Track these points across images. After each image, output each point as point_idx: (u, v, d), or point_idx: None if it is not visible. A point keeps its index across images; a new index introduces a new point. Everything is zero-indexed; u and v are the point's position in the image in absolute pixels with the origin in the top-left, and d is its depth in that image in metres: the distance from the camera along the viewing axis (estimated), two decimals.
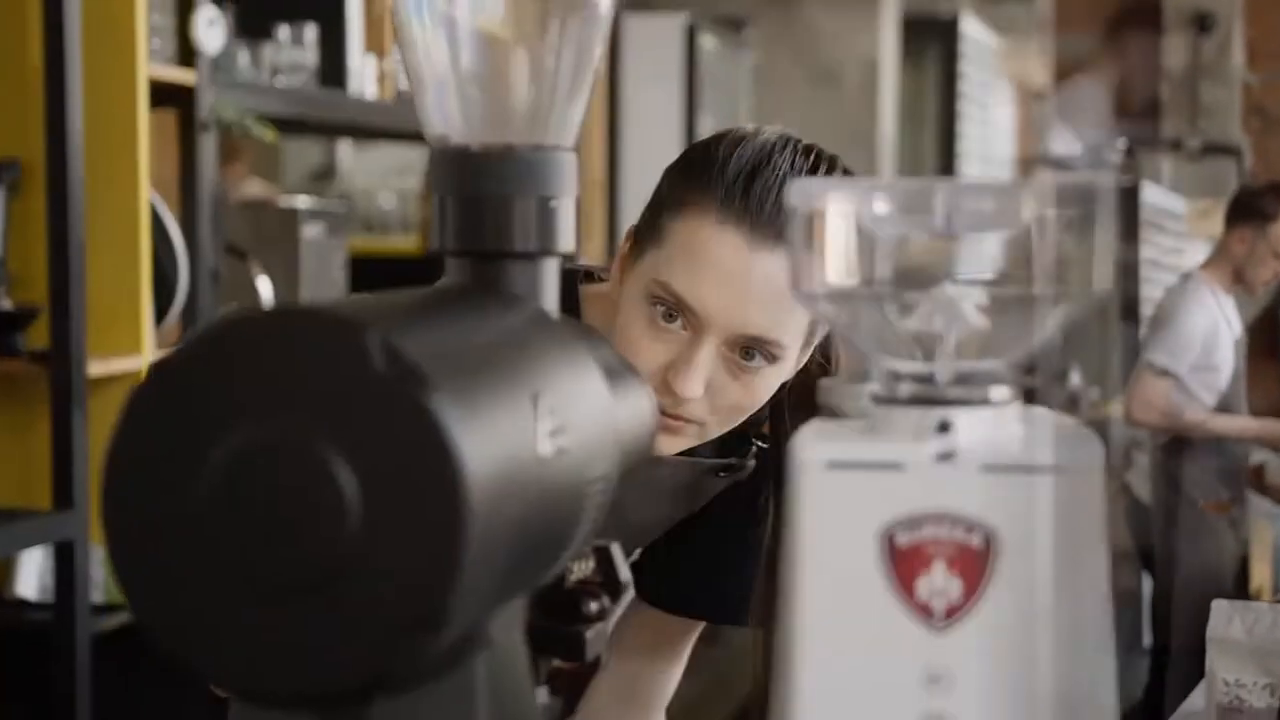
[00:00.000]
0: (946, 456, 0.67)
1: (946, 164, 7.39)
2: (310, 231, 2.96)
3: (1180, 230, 7.96)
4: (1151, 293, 7.30)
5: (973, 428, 0.68)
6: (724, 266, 1.20)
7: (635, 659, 1.48)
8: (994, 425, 0.69)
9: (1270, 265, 4.21)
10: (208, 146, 2.64)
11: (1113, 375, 6.29)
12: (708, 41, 4.81)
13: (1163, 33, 9.32)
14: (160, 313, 2.55)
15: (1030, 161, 7.80)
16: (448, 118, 0.82)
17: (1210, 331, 4.15)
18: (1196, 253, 8.48)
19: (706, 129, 5.83)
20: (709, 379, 1.22)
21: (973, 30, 7.48)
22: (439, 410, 0.60)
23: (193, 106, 2.62)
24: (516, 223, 0.79)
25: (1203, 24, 9.24)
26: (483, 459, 0.62)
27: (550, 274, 0.81)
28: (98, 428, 2.36)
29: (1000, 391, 0.70)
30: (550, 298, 0.81)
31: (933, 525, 0.67)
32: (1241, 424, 4.29)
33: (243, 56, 2.88)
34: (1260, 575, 5.27)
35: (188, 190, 2.63)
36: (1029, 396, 0.71)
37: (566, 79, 0.82)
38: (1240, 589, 4.43)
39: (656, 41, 4.84)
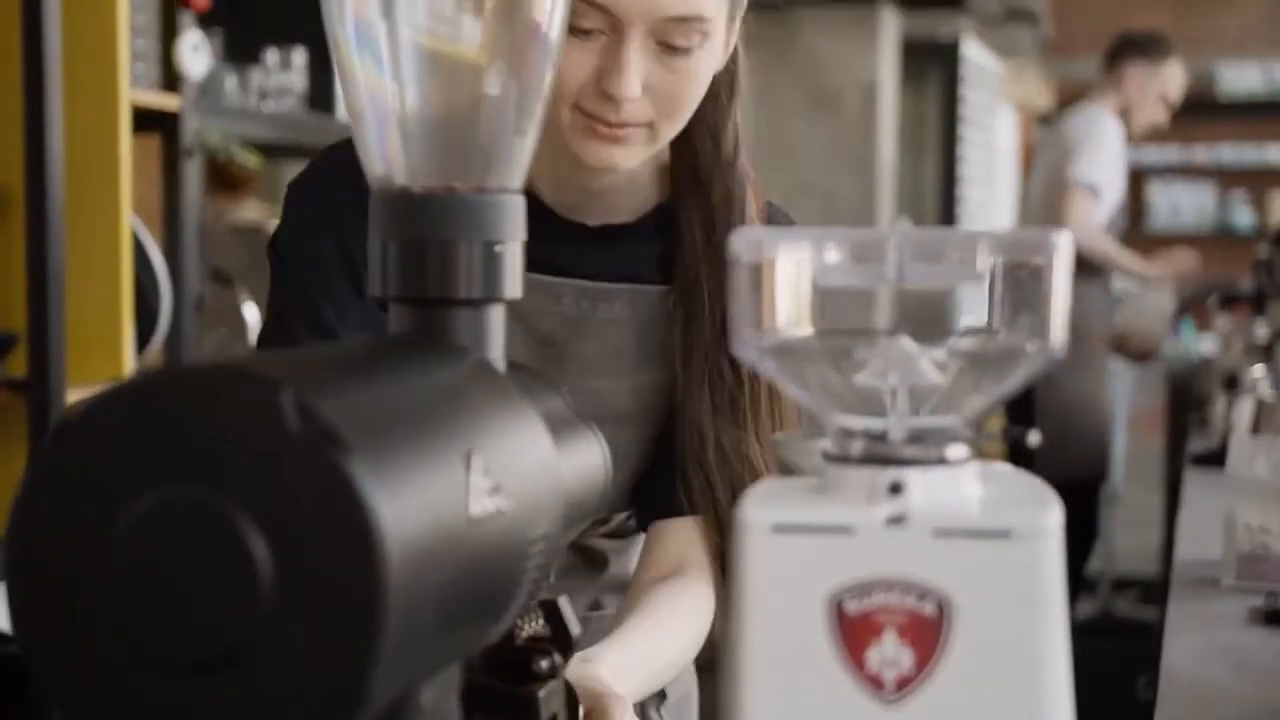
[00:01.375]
0: (898, 520, 0.64)
1: (947, 187, 7.36)
2: None
3: (994, 90, 7.98)
4: (967, 152, 7.34)
5: (927, 488, 0.65)
6: None
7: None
8: (949, 486, 0.66)
9: (1154, 109, 4.31)
10: (192, 172, 2.61)
11: None
12: None
13: None
14: (142, 340, 2.52)
15: None
16: (389, 158, 0.79)
17: (1114, 161, 4.26)
18: (1007, 113, 8.49)
19: None
20: (644, 76, 1.18)
21: (974, 54, 7.46)
22: (355, 474, 0.57)
23: (177, 132, 2.59)
24: (460, 268, 0.76)
25: None
26: (405, 523, 0.59)
27: (496, 321, 0.78)
28: None
29: (957, 450, 0.67)
30: (495, 346, 0.78)
31: (883, 592, 0.64)
32: (1133, 260, 4.39)
33: (230, 81, 2.86)
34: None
35: (171, 216, 2.60)
36: None
37: (512, 118, 0.79)
38: (1103, 440, 4.56)
39: None
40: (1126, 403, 6.15)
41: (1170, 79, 4.33)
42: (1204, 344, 8.14)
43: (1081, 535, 4.59)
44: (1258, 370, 3.05)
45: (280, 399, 0.57)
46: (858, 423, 0.67)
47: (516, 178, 0.80)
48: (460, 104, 0.78)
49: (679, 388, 1.29)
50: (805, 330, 0.68)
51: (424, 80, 0.77)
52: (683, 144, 1.30)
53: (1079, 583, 4.79)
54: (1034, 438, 0.67)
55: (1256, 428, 2.85)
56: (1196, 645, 1.59)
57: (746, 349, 0.67)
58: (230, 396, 0.58)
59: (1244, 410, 2.93)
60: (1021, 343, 0.66)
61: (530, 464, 0.72)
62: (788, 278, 0.67)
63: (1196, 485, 2.74)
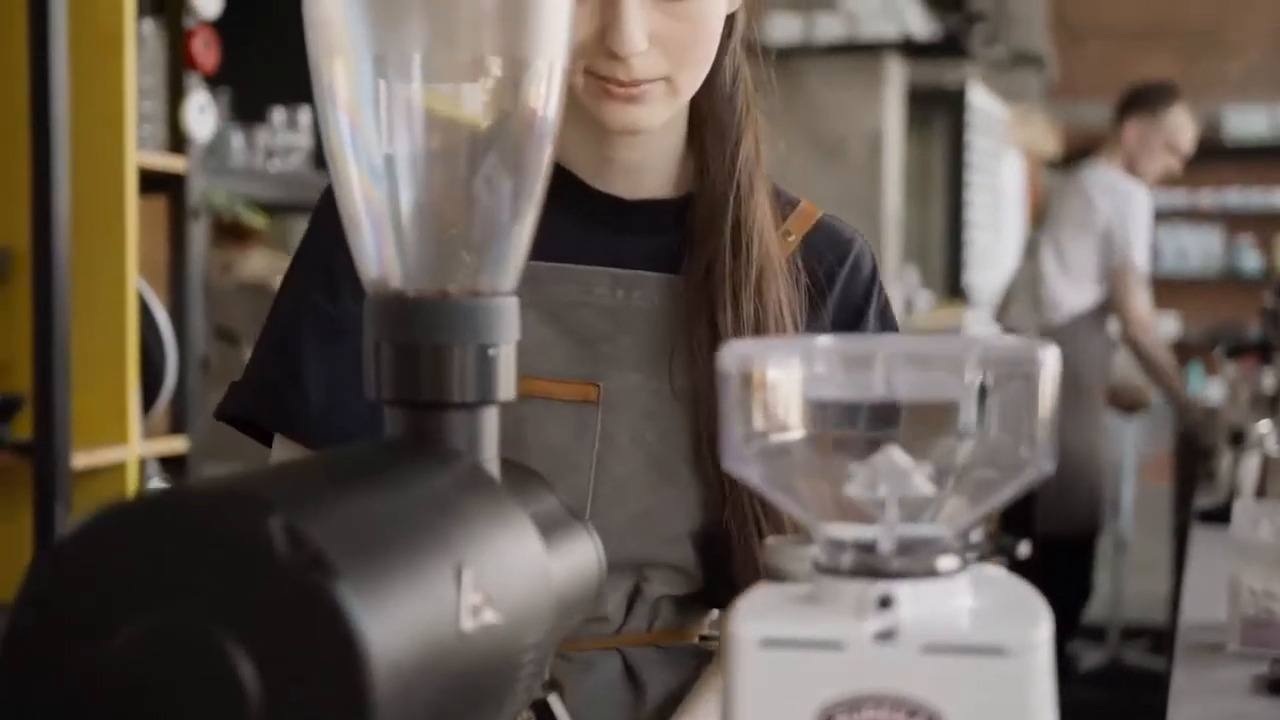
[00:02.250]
0: (887, 635, 0.64)
1: (954, 233, 7.37)
2: None
3: (1000, 135, 7.99)
4: (975, 198, 7.36)
5: (917, 601, 0.65)
6: None
7: None
8: (939, 598, 0.66)
9: (1161, 158, 4.32)
10: (197, 233, 2.62)
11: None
12: None
13: None
14: (148, 401, 2.53)
15: None
16: (384, 262, 0.79)
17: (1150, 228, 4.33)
18: (1013, 159, 8.52)
19: None
20: (650, 29, 1.13)
21: (980, 100, 7.48)
22: (343, 599, 0.57)
23: (183, 193, 2.60)
24: (454, 372, 0.77)
25: None
26: (394, 645, 0.59)
27: (490, 424, 0.79)
28: None
29: (947, 561, 0.67)
30: (489, 447, 0.78)
31: (873, 708, 0.64)
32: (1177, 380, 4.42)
33: (237, 139, 2.87)
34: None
35: (177, 276, 2.61)
36: None
37: (507, 217, 0.79)
38: (1097, 492, 4.47)
39: None
40: (1134, 449, 6.15)
41: (1175, 127, 4.33)
42: (1210, 389, 8.15)
43: (1077, 587, 4.58)
44: (1264, 425, 3.04)
45: (269, 524, 0.57)
46: (847, 532, 0.67)
47: (510, 279, 0.80)
48: (454, 207, 0.78)
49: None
50: (794, 441, 0.68)
51: (418, 184, 0.78)
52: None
53: (1075, 632, 4.77)
54: (1024, 549, 0.67)
55: (1263, 484, 2.84)
56: (1201, 715, 1.59)
57: (734, 459, 0.67)
58: (219, 521, 0.58)
59: (1250, 466, 2.92)
60: (1011, 455, 0.66)
61: (521, 573, 0.72)
62: (777, 390, 0.67)
63: (1203, 542, 2.73)
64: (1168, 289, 10.13)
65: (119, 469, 2.47)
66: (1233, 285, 10.03)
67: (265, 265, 3.81)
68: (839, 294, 1.28)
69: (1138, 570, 5.79)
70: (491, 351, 0.77)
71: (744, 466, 0.68)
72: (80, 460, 2.36)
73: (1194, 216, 10.09)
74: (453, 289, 0.78)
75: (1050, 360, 0.65)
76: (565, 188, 1.25)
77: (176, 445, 2.66)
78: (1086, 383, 4.29)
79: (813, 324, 1.24)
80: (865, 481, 0.68)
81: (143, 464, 2.57)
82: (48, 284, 2.31)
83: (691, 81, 1.17)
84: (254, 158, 2.91)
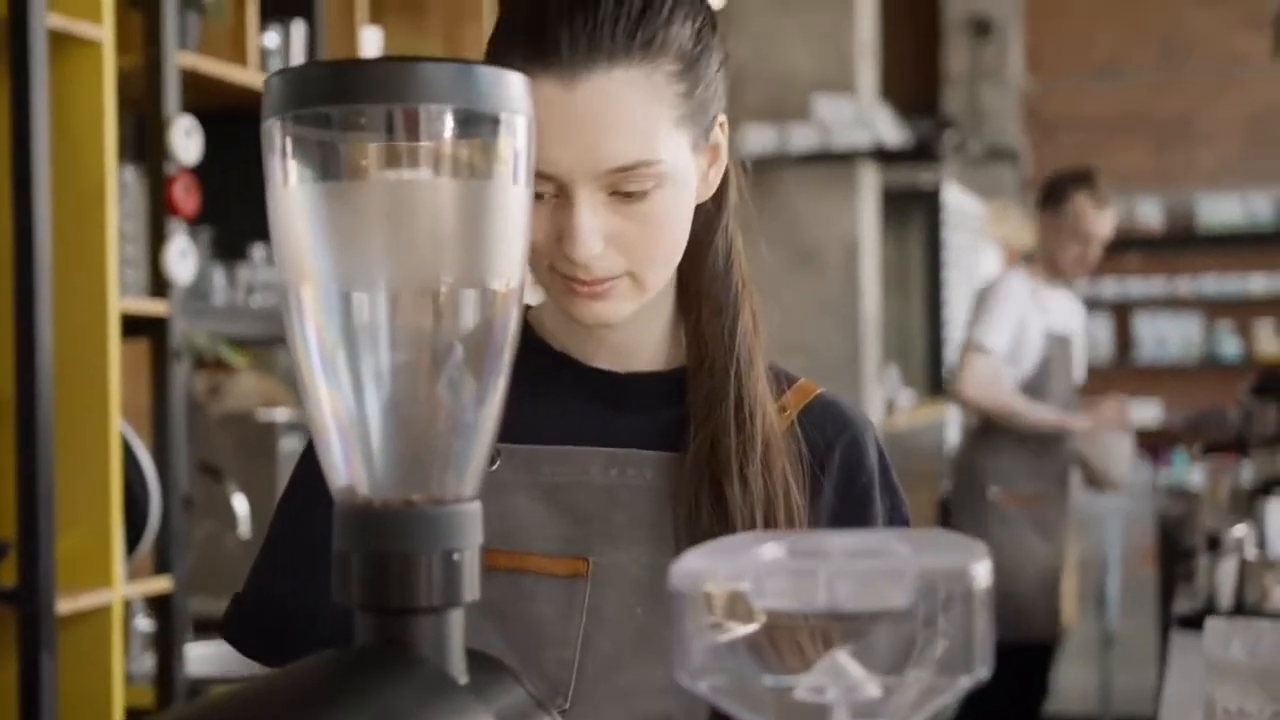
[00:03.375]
0: None
1: (933, 331, 7.44)
2: (288, 445, 2.97)
3: (976, 230, 8.05)
4: (953, 295, 7.40)
5: None
6: (549, 116, 1.10)
7: None
8: None
9: (1072, 247, 4.30)
10: (179, 375, 2.66)
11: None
12: None
13: (940, 37, 9.51)
14: (132, 542, 2.55)
15: None
16: (351, 471, 0.83)
17: (1019, 321, 4.25)
18: (991, 253, 8.59)
19: None
20: (605, 230, 1.13)
21: (954, 198, 7.58)
22: None
23: (165, 336, 2.64)
24: (420, 578, 0.80)
25: (981, 30, 9.38)
26: None
27: (455, 625, 0.82)
28: (67, 667, 2.34)
29: None
30: (455, 650, 0.81)
31: None
32: (1045, 414, 4.30)
33: (218, 276, 2.92)
34: (1068, 590, 5.15)
35: (160, 418, 2.64)
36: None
37: (468, 435, 0.83)
38: (1049, 600, 4.47)
39: None
40: (1118, 540, 6.17)
41: (1076, 214, 4.25)
42: (1195, 475, 8.18)
43: (1031, 693, 4.54)
44: (1239, 530, 3.06)
45: None
46: None
47: (472, 484, 0.83)
48: (418, 421, 0.82)
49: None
50: (744, 650, 0.72)
51: (383, 400, 0.82)
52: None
53: None
54: None
55: (1240, 589, 2.86)
56: None
57: (685, 671, 0.70)
58: None
59: (1227, 570, 2.94)
60: (951, 661, 0.70)
61: None
62: (726, 602, 0.71)
63: (1181, 649, 2.74)
64: (1148, 376, 10.20)
65: (104, 612, 2.48)
66: (1213, 371, 10.10)
67: (253, 389, 3.85)
68: (838, 470, 1.26)
69: (1128, 663, 5.79)
70: (456, 556, 0.81)
71: (696, 678, 0.71)
72: (65, 605, 2.37)
73: (1172, 304, 10.18)
74: (418, 498, 0.82)
75: (981, 574, 0.69)
76: (561, 370, 1.27)
77: (161, 585, 2.67)
78: (992, 491, 4.27)
79: (815, 499, 1.24)
80: (814, 686, 0.71)
81: (128, 606, 2.59)
82: (32, 430, 2.34)
83: (657, 276, 1.18)
84: (236, 295, 2.95)
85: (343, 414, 0.82)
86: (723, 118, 1.23)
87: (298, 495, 1.27)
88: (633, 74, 1.12)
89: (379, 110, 0.79)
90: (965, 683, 0.70)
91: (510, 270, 0.83)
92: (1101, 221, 4.26)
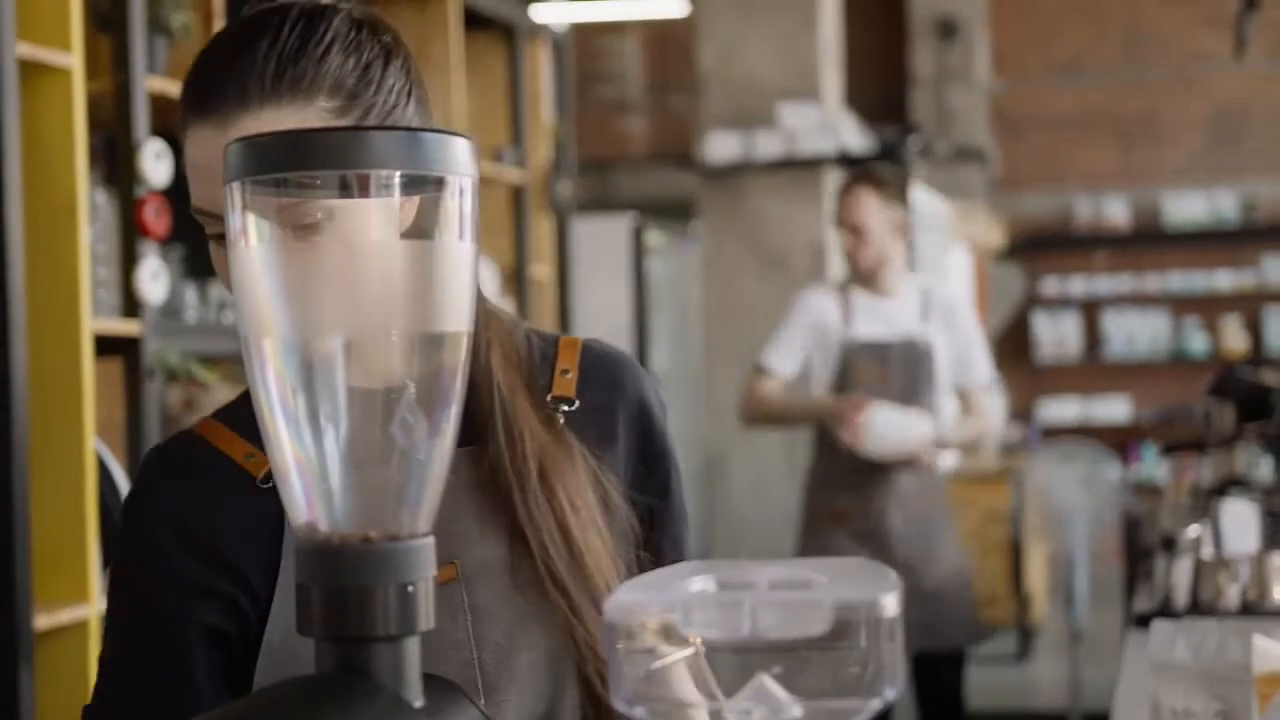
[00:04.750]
0: None
1: None
2: None
3: (945, 230, 8.12)
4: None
5: None
6: (201, 159, 1.17)
7: None
8: None
9: (843, 236, 4.06)
10: (152, 393, 2.71)
11: None
12: (654, 237, 4.93)
13: (906, 38, 9.57)
14: (107, 558, 2.60)
15: None
16: (311, 509, 0.88)
17: (813, 338, 4.07)
18: (959, 253, 8.68)
19: (658, 321, 5.97)
20: None
21: (923, 200, 7.65)
22: None
23: (138, 355, 2.69)
24: (377, 610, 0.86)
25: (947, 31, 9.46)
26: None
27: (412, 652, 0.87)
28: (45, 683, 2.39)
29: None
30: (412, 676, 0.87)
31: None
32: (802, 401, 4.12)
33: (190, 294, 2.96)
34: (1036, 585, 5.03)
35: (134, 436, 2.69)
36: None
37: (424, 463, 0.89)
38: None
39: (605, 241, 4.97)
40: (1085, 537, 6.24)
41: (846, 205, 4.08)
42: (1162, 471, 8.27)
43: (951, 703, 4.42)
44: (1194, 529, 3.12)
45: None
46: None
47: (426, 520, 0.89)
48: (374, 462, 0.88)
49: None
50: (675, 676, 0.78)
51: (340, 443, 0.87)
52: None
53: None
54: None
55: (1196, 589, 2.92)
56: None
57: (620, 700, 0.76)
58: None
59: (1183, 570, 3.00)
60: (861, 682, 0.76)
61: None
62: (657, 634, 0.77)
63: (1135, 650, 2.80)
64: (1117, 373, 10.30)
65: (81, 627, 2.53)
66: (1181, 366, 10.20)
67: (226, 402, 3.88)
68: (630, 422, 1.32)
69: (1097, 658, 5.87)
70: (410, 588, 0.87)
71: (631, 704, 0.77)
72: (41, 621, 2.42)
73: (1140, 300, 10.28)
74: (375, 534, 0.87)
75: (891, 603, 0.75)
76: None
77: None
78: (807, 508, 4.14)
79: (609, 457, 1.29)
80: (741, 709, 0.77)
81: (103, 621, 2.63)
82: (7, 449, 2.39)
83: None
84: (207, 312, 3.00)
85: (303, 456, 0.88)
86: None
87: (137, 604, 1.25)
88: (282, 113, 1.17)
89: (333, 175, 0.85)
90: (876, 704, 0.76)
91: (458, 318, 0.89)
92: (867, 211, 4.03)
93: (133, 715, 1.24)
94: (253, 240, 0.87)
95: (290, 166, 0.85)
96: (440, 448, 0.90)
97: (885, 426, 3.93)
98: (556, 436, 1.27)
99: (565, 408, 1.28)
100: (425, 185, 0.87)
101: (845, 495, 4.06)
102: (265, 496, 1.23)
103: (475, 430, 1.25)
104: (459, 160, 0.87)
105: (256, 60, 1.17)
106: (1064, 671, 6.10)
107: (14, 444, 2.39)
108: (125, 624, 1.25)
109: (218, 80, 1.17)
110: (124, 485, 2.61)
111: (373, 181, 0.85)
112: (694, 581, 0.79)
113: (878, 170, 4.27)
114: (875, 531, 4.07)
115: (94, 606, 2.54)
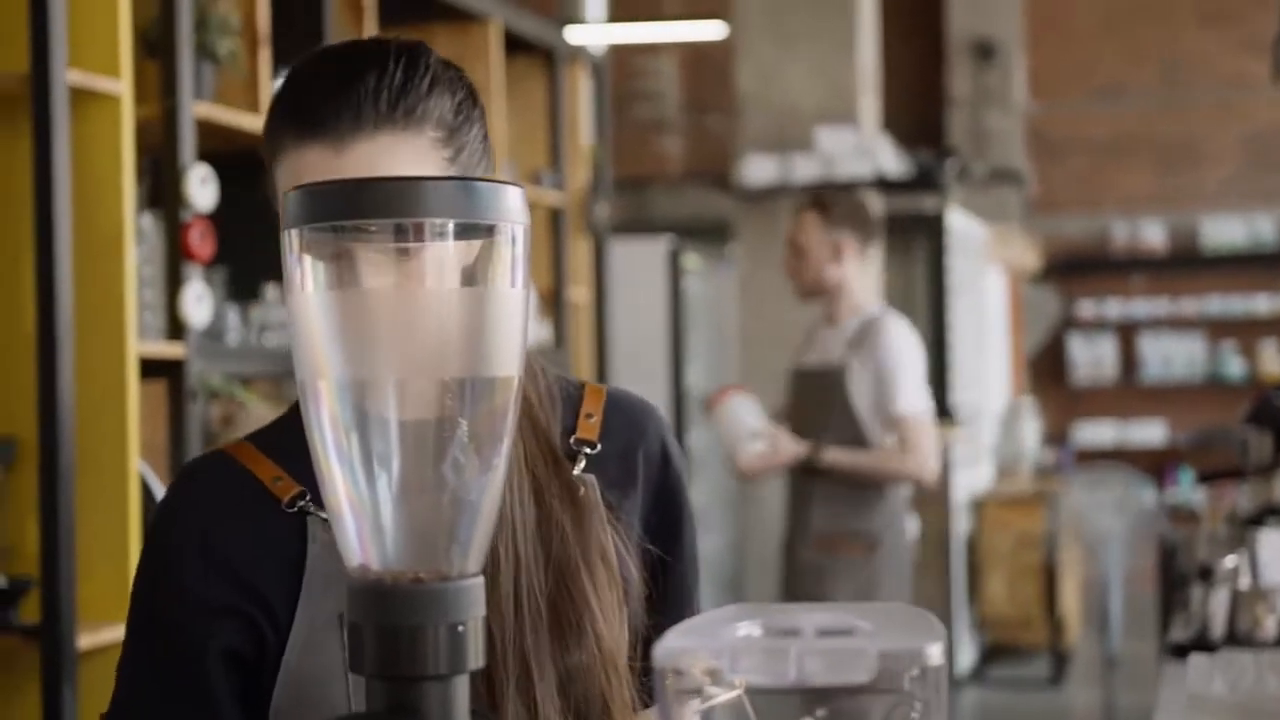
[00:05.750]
0: None
1: (939, 357, 7.49)
2: None
3: (981, 253, 8.09)
4: (958, 319, 7.43)
5: None
6: (319, 179, 1.15)
7: None
8: None
9: (786, 254, 4.10)
10: (195, 415, 2.74)
11: None
12: (691, 260, 4.94)
13: (943, 60, 9.54)
14: None
15: None
16: (364, 551, 0.90)
17: None
18: (995, 276, 8.64)
19: (694, 343, 5.98)
20: None
21: (959, 223, 7.64)
22: None
23: (182, 378, 2.72)
24: (429, 649, 0.87)
25: (984, 53, 9.44)
26: None
27: (461, 691, 0.89)
28: (88, 701, 2.41)
29: None
30: (460, 714, 0.89)
31: None
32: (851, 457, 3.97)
33: (233, 316, 3.00)
34: (1070, 609, 4.89)
35: (176, 456, 2.72)
36: None
37: (473, 513, 0.90)
38: None
39: (642, 263, 4.99)
40: (1120, 564, 6.23)
41: (794, 226, 4.13)
42: (1199, 495, 8.22)
43: None
44: (1230, 560, 3.11)
45: None
46: None
47: (476, 560, 0.91)
48: (426, 505, 0.89)
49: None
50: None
51: (394, 485, 0.89)
52: None
53: None
54: None
55: (1233, 620, 2.91)
56: None
57: None
58: None
59: (1220, 601, 2.99)
60: None
61: None
62: (706, 678, 0.78)
63: (1172, 681, 2.79)
64: (1153, 396, 10.26)
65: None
66: (1217, 390, 10.15)
67: (264, 419, 3.91)
68: (646, 465, 1.35)
69: (1131, 684, 5.84)
70: (461, 628, 0.88)
71: None
72: (85, 640, 2.45)
73: (1176, 324, 10.24)
74: (425, 574, 0.89)
75: (936, 653, 0.76)
76: None
77: None
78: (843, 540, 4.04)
79: (627, 502, 1.31)
80: None
81: None
82: (53, 470, 2.42)
83: None
84: (249, 334, 3.03)
85: (356, 498, 0.89)
86: None
87: (154, 621, 1.27)
88: (396, 138, 1.20)
89: (388, 224, 0.87)
90: None
91: (509, 362, 0.90)
92: (806, 231, 4.05)
93: None
94: (309, 286, 0.89)
95: (348, 215, 0.87)
96: (491, 487, 0.91)
97: (725, 414, 3.96)
98: (569, 482, 1.28)
99: (588, 450, 1.30)
100: (477, 233, 0.89)
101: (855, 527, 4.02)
102: (289, 520, 1.25)
103: None
104: (511, 208, 0.89)
105: (368, 87, 1.20)
106: (1097, 697, 6.08)
107: (60, 465, 2.42)
108: (144, 635, 1.27)
109: (330, 102, 1.20)
110: None
111: (427, 230, 0.87)
112: (740, 626, 0.81)
113: (829, 196, 4.27)
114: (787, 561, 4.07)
115: None
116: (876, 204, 5.81)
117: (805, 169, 5.35)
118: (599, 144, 4.70)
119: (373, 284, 1.00)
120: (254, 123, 3.01)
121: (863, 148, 5.38)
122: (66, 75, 2.44)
